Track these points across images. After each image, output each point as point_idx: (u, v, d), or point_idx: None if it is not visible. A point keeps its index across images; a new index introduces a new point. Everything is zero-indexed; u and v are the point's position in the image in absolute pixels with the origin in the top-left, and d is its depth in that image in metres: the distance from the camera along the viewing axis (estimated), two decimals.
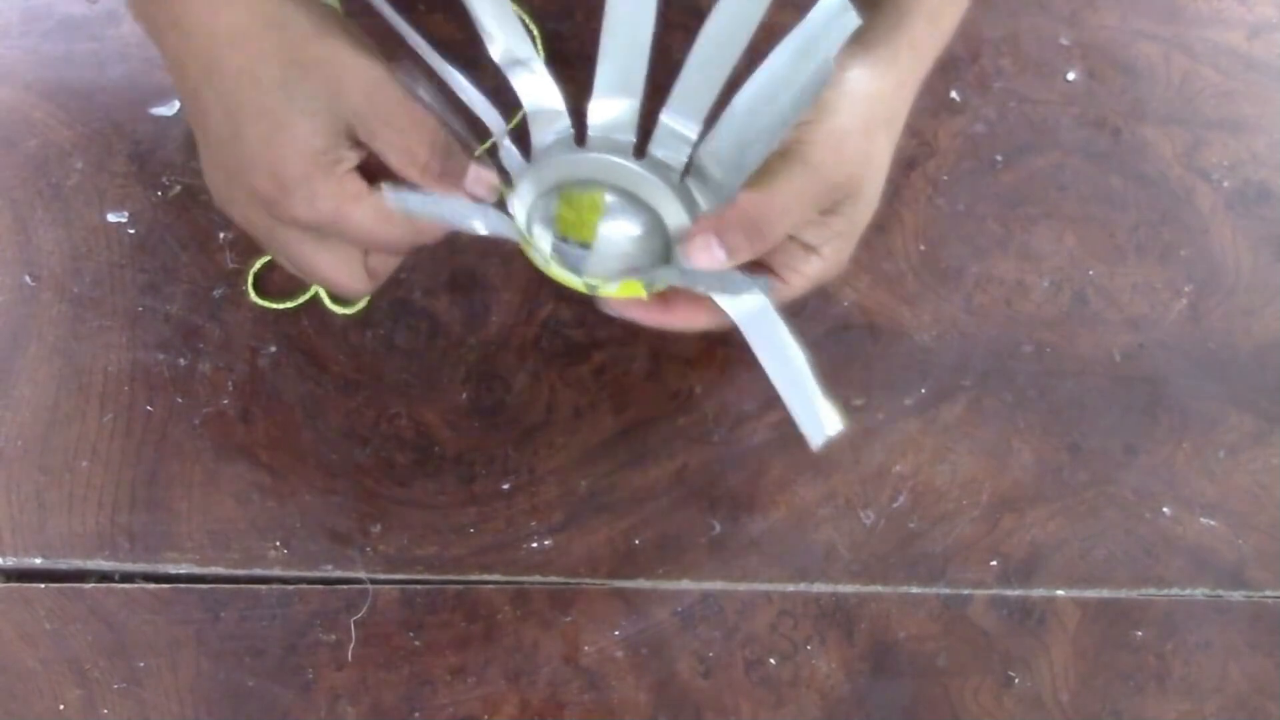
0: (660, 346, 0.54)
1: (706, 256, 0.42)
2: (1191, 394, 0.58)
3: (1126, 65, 0.66)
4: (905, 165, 0.61)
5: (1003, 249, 0.60)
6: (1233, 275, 0.61)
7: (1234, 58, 0.67)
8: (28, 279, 0.52)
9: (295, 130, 0.38)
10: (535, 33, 0.60)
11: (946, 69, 0.64)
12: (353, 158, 0.40)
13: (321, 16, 0.40)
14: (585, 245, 0.44)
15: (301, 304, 0.53)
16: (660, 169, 0.48)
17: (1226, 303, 0.60)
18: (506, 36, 0.45)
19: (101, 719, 0.46)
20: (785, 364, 0.43)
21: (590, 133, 0.48)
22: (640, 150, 0.48)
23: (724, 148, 0.46)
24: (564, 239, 0.45)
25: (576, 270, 0.44)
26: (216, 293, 0.53)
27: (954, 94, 0.63)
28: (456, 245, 0.54)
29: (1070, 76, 0.65)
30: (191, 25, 0.39)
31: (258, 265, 0.53)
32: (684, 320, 0.45)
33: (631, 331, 0.55)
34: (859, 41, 0.44)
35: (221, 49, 0.38)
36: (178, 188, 0.55)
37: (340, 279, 0.43)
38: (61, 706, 0.46)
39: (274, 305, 0.53)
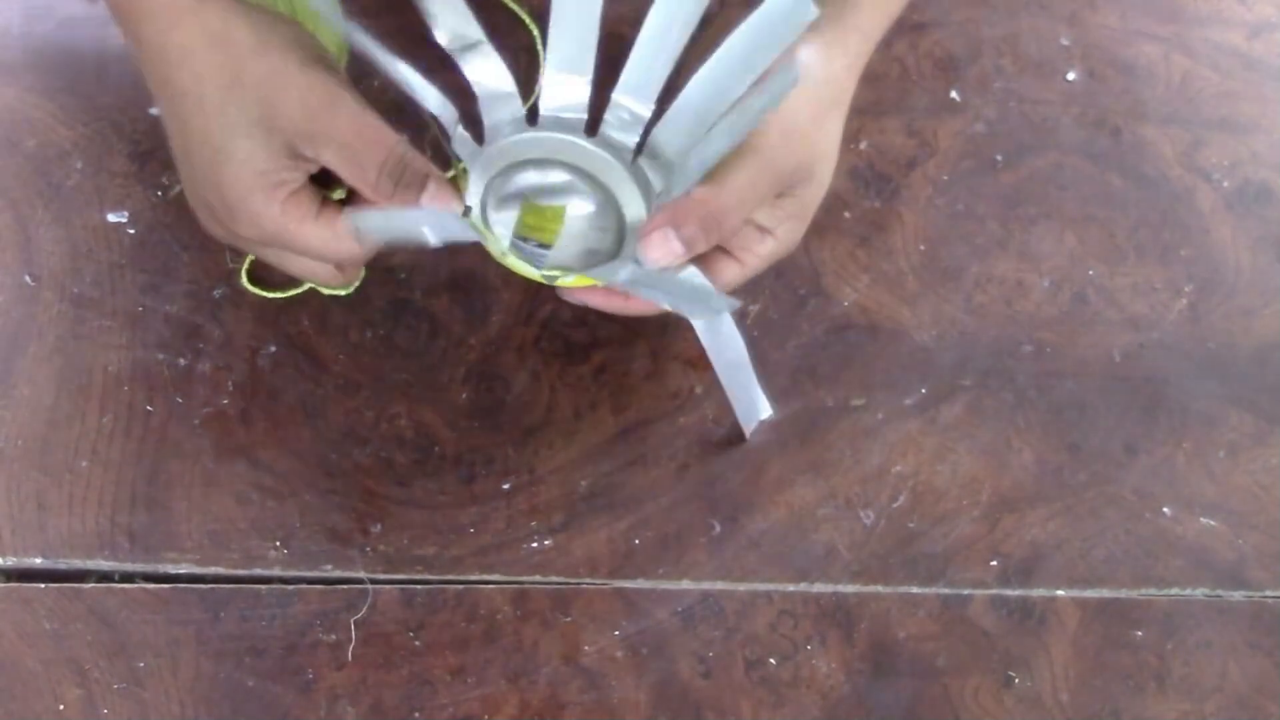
0: (660, 346, 0.54)
1: (664, 250, 0.42)
2: (1191, 394, 0.58)
3: (1126, 65, 0.66)
4: (905, 165, 0.61)
5: (1003, 249, 0.60)
6: (1233, 275, 0.61)
7: (1234, 58, 0.67)
8: (28, 279, 0.52)
9: (234, 154, 0.39)
10: (535, 33, 0.60)
11: (946, 69, 0.64)
12: (298, 177, 0.40)
13: (268, 30, 0.39)
14: (544, 246, 0.45)
15: (298, 295, 0.53)
16: (613, 147, 0.48)
17: (1226, 303, 0.60)
18: (452, 19, 0.45)
19: (101, 719, 0.46)
20: (731, 359, 0.46)
21: (542, 113, 0.48)
22: (593, 130, 0.49)
23: (677, 129, 0.46)
24: (524, 239, 0.45)
25: (534, 264, 0.44)
26: (216, 293, 0.53)
27: (954, 94, 0.63)
28: (457, 245, 0.54)
29: (1070, 76, 0.65)
30: (147, 44, 0.39)
31: (252, 256, 0.53)
32: (642, 306, 0.46)
33: (632, 331, 0.55)
34: (810, 27, 0.45)
35: (171, 70, 0.39)
36: (178, 188, 0.55)
37: (314, 276, 0.45)
38: (61, 706, 0.46)
39: (270, 294, 0.53)
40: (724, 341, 0.46)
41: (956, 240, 0.60)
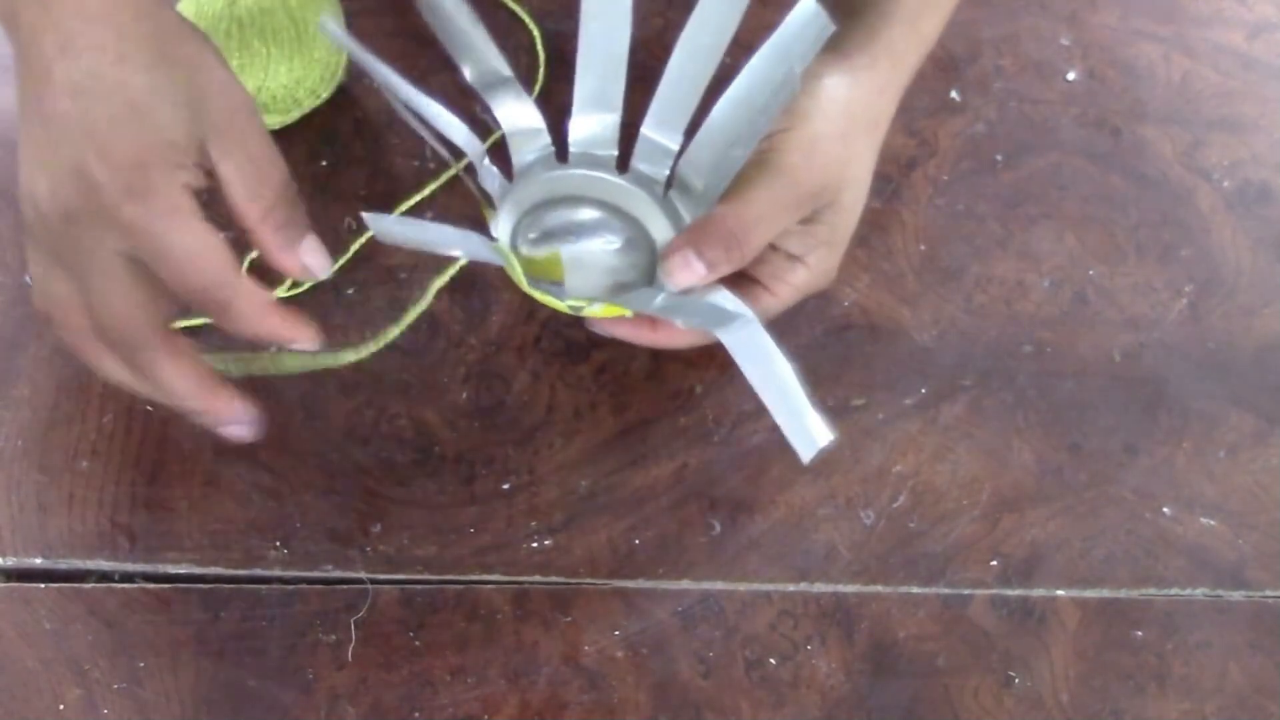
0: None
1: (686, 273, 0.41)
2: (1191, 394, 0.58)
3: (1126, 65, 0.66)
4: (905, 165, 0.61)
5: (1003, 249, 0.60)
6: (1233, 275, 0.61)
7: (1234, 58, 0.67)
8: (28, 279, 0.52)
9: (154, 116, 0.36)
10: (535, 33, 0.60)
11: (946, 69, 0.64)
12: (195, 175, 0.37)
13: (194, 26, 0.38)
14: (557, 283, 0.43)
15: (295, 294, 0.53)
16: (643, 182, 0.48)
17: (1226, 303, 0.60)
18: (479, 57, 0.45)
19: (101, 719, 0.46)
20: (772, 379, 0.42)
21: (572, 149, 0.48)
22: (623, 165, 0.48)
23: (704, 158, 0.46)
24: (535, 280, 0.44)
25: (557, 297, 0.43)
26: None
27: (954, 94, 0.63)
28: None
29: (1070, 76, 0.65)
30: (57, 5, 0.35)
31: (254, 254, 0.53)
32: (669, 338, 0.45)
33: None
34: (836, 49, 0.44)
35: (88, 24, 0.35)
36: None
37: (123, 312, 0.38)
38: (61, 706, 0.46)
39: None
40: (763, 361, 0.42)
41: (956, 240, 0.60)
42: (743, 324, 0.42)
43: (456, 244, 0.41)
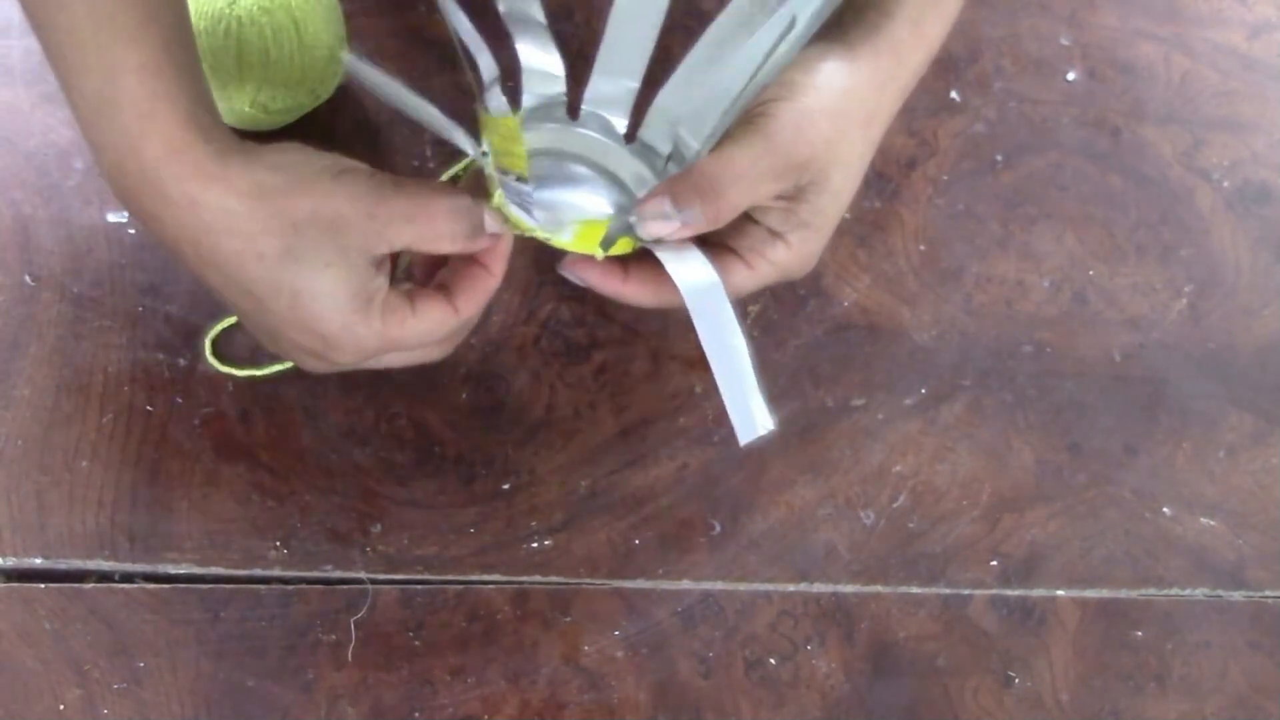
0: (660, 346, 0.54)
1: (660, 221, 0.42)
2: (1191, 394, 0.58)
3: (1126, 65, 0.66)
4: (905, 165, 0.61)
5: (1003, 249, 0.60)
6: (1233, 275, 0.61)
7: (1234, 58, 0.67)
8: (28, 279, 0.52)
9: (318, 291, 0.38)
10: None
11: (946, 69, 0.64)
12: (382, 283, 0.40)
13: (291, 166, 0.39)
14: (523, 179, 0.42)
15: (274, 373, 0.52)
16: (647, 154, 0.48)
17: (1226, 303, 0.60)
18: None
19: (101, 719, 0.46)
20: (727, 352, 0.42)
21: (584, 106, 0.48)
22: (631, 135, 0.48)
23: (688, 113, 0.46)
24: (504, 172, 0.42)
25: (527, 210, 0.43)
26: None
27: (954, 94, 0.63)
28: None
29: (1070, 76, 0.65)
30: (172, 223, 0.38)
31: (215, 330, 0.52)
32: (638, 293, 0.45)
33: (631, 331, 0.55)
34: (841, 39, 0.44)
35: (213, 238, 0.37)
36: None
37: (421, 360, 0.43)
38: (61, 706, 0.46)
39: (241, 372, 0.52)
40: (722, 333, 0.43)
41: (956, 240, 0.60)
42: (711, 288, 0.42)
43: (425, 114, 0.40)
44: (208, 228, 0.37)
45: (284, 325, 0.39)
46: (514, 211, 0.42)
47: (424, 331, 0.40)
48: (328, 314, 0.38)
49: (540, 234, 0.43)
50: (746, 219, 0.44)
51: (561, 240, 0.43)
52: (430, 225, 0.40)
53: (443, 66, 0.58)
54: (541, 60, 0.46)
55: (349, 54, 0.39)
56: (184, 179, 0.37)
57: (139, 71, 0.37)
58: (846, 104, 0.44)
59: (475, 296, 0.42)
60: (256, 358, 0.52)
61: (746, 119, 0.42)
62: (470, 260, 0.42)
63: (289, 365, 0.51)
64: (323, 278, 0.38)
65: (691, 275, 0.42)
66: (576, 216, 0.44)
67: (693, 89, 0.46)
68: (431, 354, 0.44)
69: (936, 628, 0.51)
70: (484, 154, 0.42)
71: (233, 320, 0.52)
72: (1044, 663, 0.51)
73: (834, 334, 0.56)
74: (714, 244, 0.45)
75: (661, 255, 0.43)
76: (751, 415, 0.42)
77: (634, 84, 0.47)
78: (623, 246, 0.44)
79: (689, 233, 0.42)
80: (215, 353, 0.51)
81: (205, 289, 0.40)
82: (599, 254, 0.43)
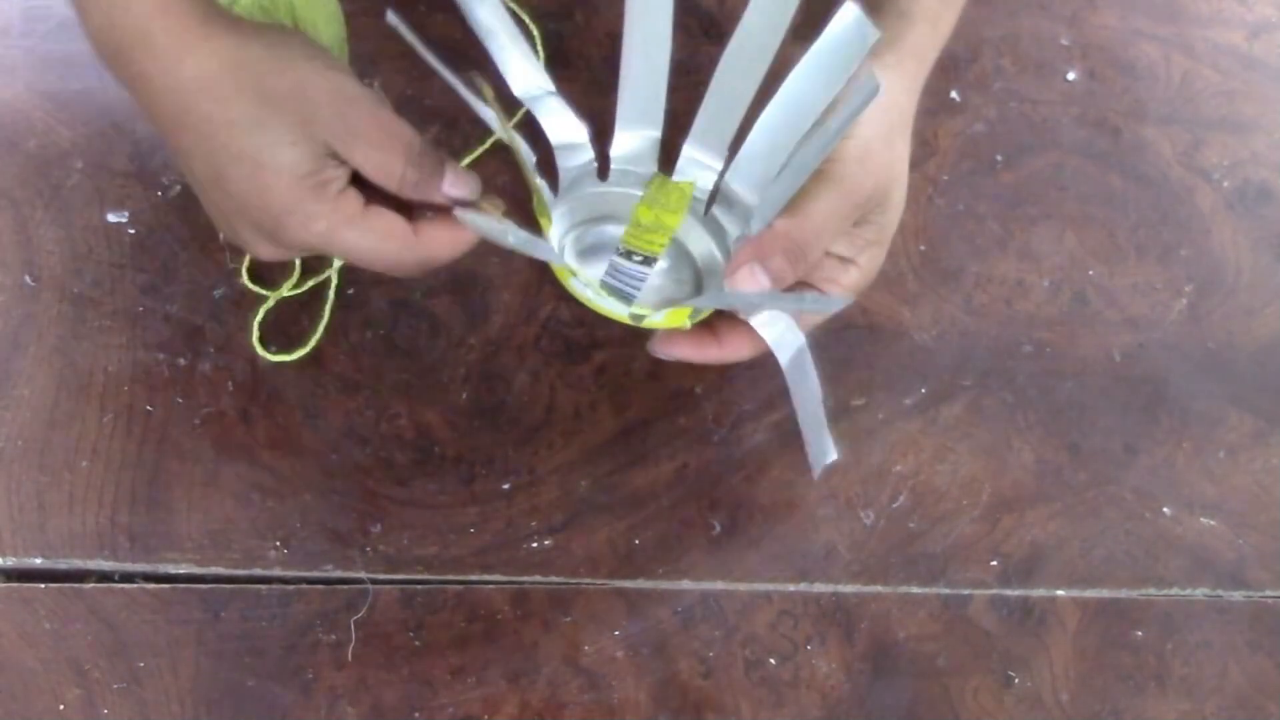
0: None
1: (752, 284, 0.42)
2: (1191, 394, 0.58)
3: (1126, 65, 0.66)
4: None
5: (1003, 249, 0.60)
6: (1233, 275, 0.61)
7: (1234, 58, 0.67)
8: (28, 279, 0.52)
9: (277, 163, 0.39)
10: (535, 33, 0.60)
11: (946, 69, 0.64)
12: (342, 176, 0.40)
13: (282, 44, 0.40)
14: (649, 261, 0.44)
15: (299, 294, 0.53)
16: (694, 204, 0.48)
17: (1226, 303, 0.60)
18: (524, 71, 0.45)
19: (101, 719, 0.46)
20: (809, 398, 0.46)
21: (613, 165, 0.48)
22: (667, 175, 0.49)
23: (751, 171, 0.46)
24: (628, 254, 0.44)
25: (627, 298, 0.44)
26: (216, 293, 0.53)
27: (954, 94, 0.63)
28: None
29: (1070, 76, 0.65)
30: (156, 78, 0.39)
31: (260, 315, 0.53)
32: (734, 351, 0.45)
33: (631, 331, 0.54)
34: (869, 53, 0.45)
35: (190, 98, 0.38)
36: (178, 188, 0.55)
37: (378, 259, 0.42)
38: (61, 706, 0.46)
39: (271, 293, 0.53)
40: (806, 382, 0.46)
41: (956, 240, 0.60)
42: (801, 350, 0.45)
43: (530, 247, 0.41)
44: (186, 87, 0.38)
45: (240, 197, 0.40)
46: (605, 306, 0.44)
47: (367, 241, 0.40)
48: (282, 186, 0.39)
49: (628, 320, 0.44)
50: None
51: (654, 322, 0.44)
52: (382, 159, 0.40)
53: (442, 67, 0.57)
54: (566, 132, 0.47)
55: (393, 15, 0.40)
56: (171, 34, 0.38)
57: None
58: (890, 119, 0.44)
59: (439, 239, 0.42)
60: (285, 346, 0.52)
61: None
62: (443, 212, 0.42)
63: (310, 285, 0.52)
64: (285, 153, 0.39)
65: (783, 338, 0.44)
66: (661, 298, 0.45)
67: (717, 130, 0.46)
68: (388, 257, 0.42)
69: (936, 628, 0.51)
70: (511, 130, 0.43)
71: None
72: (1044, 663, 0.51)
73: (834, 334, 0.56)
74: (806, 283, 0.46)
75: (755, 323, 0.44)
76: (825, 449, 0.48)
77: (655, 132, 0.47)
78: (705, 310, 0.44)
79: (779, 289, 0.43)
80: (252, 278, 0.53)
81: (176, 161, 0.41)
82: (688, 324, 0.44)
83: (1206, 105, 0.65)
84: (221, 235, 0.43)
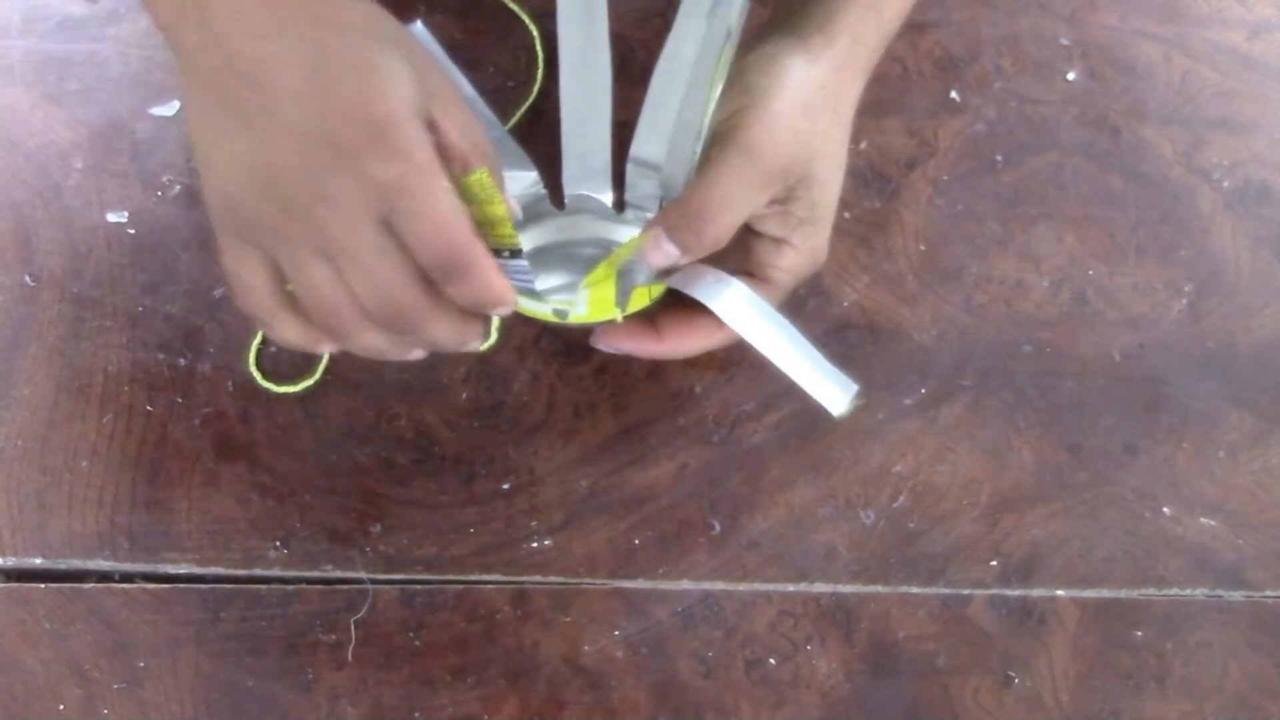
0: None
1: (659, 254, 0.42)
2: (1191, 394, 0.58)
3: (1126, 65, 0.66)
4: (905, 165, 0.61)
5: (1003, 249, 0.60)
6: (1233, 275, 0.61)
7: (1234, 58, 0.67)
8: (28, 279, 0.52)
9: (395, 75, 0.35)
10: (535, 33, 0.60)
11: (946, 69, 0.64)
12: (430, 136, 0.36)
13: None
14: (515, 253, 0.40)
15: (308, 388, 0.52)
16: (639, 212, 0.49)
17: (1226, 303, 0.60)
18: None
19: (101, 719, 0.46)
20: (779, 341, 0.42)
21: (567, 192, 0.49)
22: (621, 203, 0.50)
23: (652, 134, 0.47)
24: (496, 252, 0.40)
25: (533, 294, 0.42)
26: (216, 293, 0.53)
27: (954, 94, 0.63)
28: None
29: (1070, 76, 0.65)
30: None
31: (259, 339, 0.52)
32: (676, 346, 0.45)
33: None
34: (793, 32, 0.45)
35: (286, 9, 0.34)
36: (178, 188, 0.55)
37: (392, 278, 0.37)
38: (61, 706, 0.46)
39: (280, 388, 0.52)
40: (763, 324, 0.43)
41: (956, 240, 0.60)
42: (733, 292, 0.42)
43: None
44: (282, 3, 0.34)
45: (339, 108, 0.34)
46: (525, 303, 0.42)
47: (442, 204, 0.36)
48: (396, 99, 0.35)
49: (553, 317, 0.43)
50: (748, 233, 0.44)
51: (579, 315, 0.43)
52: (475, 133, 0.38)
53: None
54: (515, 165, 0.47)
55: (420, 26, 0.40)
56: None
57: None
58: (811, 95, 0.44)
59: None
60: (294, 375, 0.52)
61: (719, 135, 0.42)
62: None
63: (317, 379, 0.51)
64: (399, 69, 0.35)
65: (712, 289, 0.43)
66: (578, 281, 0.44)
67: (657, 135, 0.46)
68: (454, 233, 0.37)
69: (936, 628, 0.51)
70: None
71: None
72: (1044, 663, 0.51)
73: (834, 334, 0.56)
74: (746, 268, 0.46)
75: (675, 283, 0.43)
76: (833, 389, 0.42)
77: (605, 155, 0.48)
78: (638, 301, 0.44)
79: (690, 259, 0.42)
80: (258, 366, 0.52)
81: (230, 96, 0.35)
82: (618, 315, 0.43)
83: (1206, 105, 0.65)
84: (230, 193, 0.37)
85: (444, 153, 0.36)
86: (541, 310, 0.43)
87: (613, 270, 0.42)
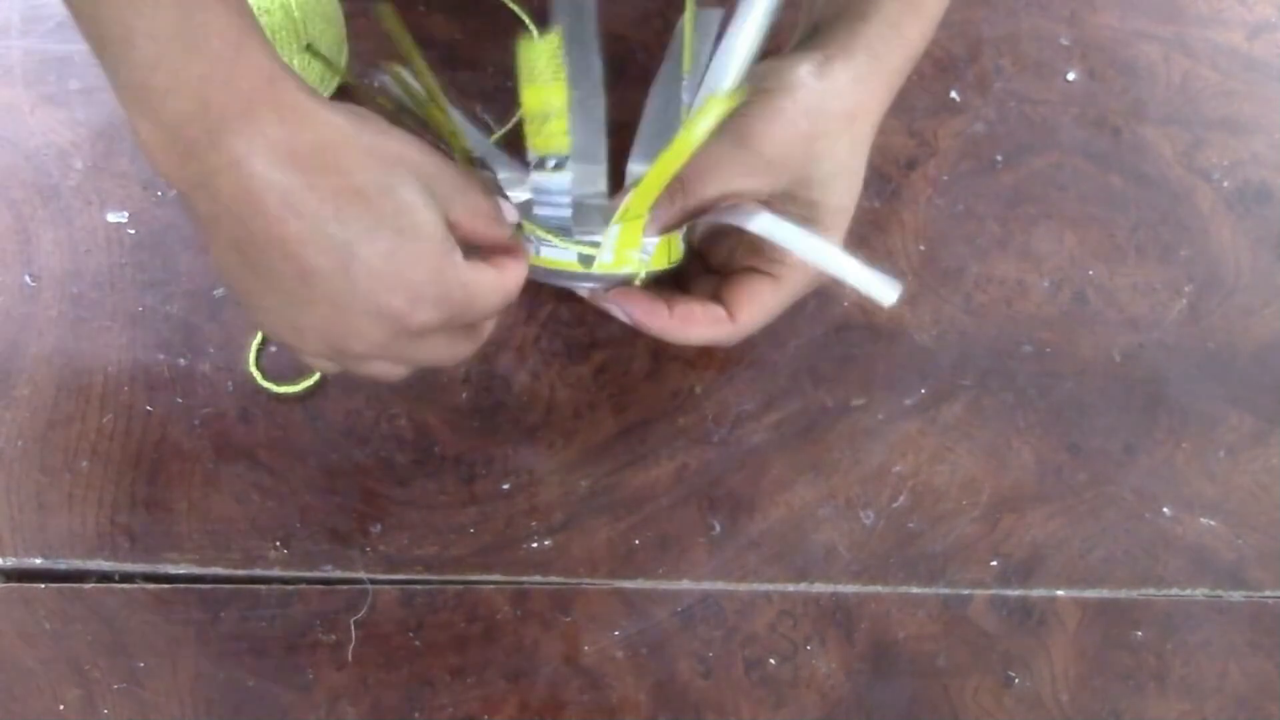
0: (660, 346, 0.54)
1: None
2: (1191, 394, 0.58)
3: (1126, 65, 0.66)
4: (905, 165, 0.61)
5: (1003, 249, 0.60)
6: (1233, 275, 0.61)
7: (1234, 58, 0.67)
8: (28, 279, 0.52)
9: (417, 229, 0.36)
10: (535, 33, 0.60)
11: (946, 69, 0.64)
12: (454, 240, 0.38)
13: (359, 111, 0.38)
14: (560, 164, 0.41)
15: (308, 388, 0.52)
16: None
17: (1226, 303, 0.60)
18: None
19: (101, 719, 0.46)
20: (822, 247, 0.43)
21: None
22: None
23: (649, 147, 0.47)
24: (540, 163, 0.42)
25: (564, 228, 0.43)
26: (216, 293, 0.53)
27: (954, 94, 0.63)
28: None
29: (1070, 76, 0.65)
30: (260, 163, 0.34)
31: (259, 339, 0.52)
32: (681, 325, 0.46)
33: (631, 331, 0.55)
34: (816, 46, 0.46)
35: (309, 176, 0.34)
36: None
37: (458, 354, 0.42)
38: (61, 706, 0.46)
39: (282, 389, 0.52)
40: (800, 237, 0.43)
41: (956, 240, 0.60)
42: (764, 212, 0.43)
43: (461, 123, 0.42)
44: (302, 164, 0.34)
45: (371, 282, 0.35)
46: (548, 253, 0.44)
47: (489, 286, 0.39)
48: (426, 256, 0.36)
49: (578, 265, 0.44)
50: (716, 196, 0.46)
51: (604, 262, 0.44)
52: (475, 200, 0.40)
53: (442, 66, 0.58)
54: (512, 168, 0.48)
55: (397, 70, 0.40)
56: (284, 106, 0.34)
57: (223, 1, 0.34)
58: (823, 101, 0.45)
59: (516, 273, 0.41)
60: (294, 375, 0.52)
61: (721, 125, 0.43)
62: (495, 249, 0.42)
63: (317, 379, 0.52)
64: (421, 216, 0.36)
65: (744, 212, 0.44)
66: (610, 220, 0.45)
67: (656, 147, 0.47)
68: (495, 305, 0.40)
69: (936, 628, 0.51)
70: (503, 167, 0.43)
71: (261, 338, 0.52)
72: (1044, 663, 0.51)
73: (834, 334, 0.56)
74: (742, 268, 0.47)
75: (708, 219, 0.45)
76: (881, 282, 0.43)
77: (601, 166, 0.49)
78: (658, 259, 0.45)
79: (670, 218, 0.44)
80: (258, 366, 0.52)
81: (252, 284, 0.36)
82: (641, 272, 0.44)
83: (1206, 105, 0.65)
84: (300, 350, 0.39)
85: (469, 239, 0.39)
86: (566, 258, 0.44)
87: (644, 208, 0.43)
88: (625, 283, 0.46)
